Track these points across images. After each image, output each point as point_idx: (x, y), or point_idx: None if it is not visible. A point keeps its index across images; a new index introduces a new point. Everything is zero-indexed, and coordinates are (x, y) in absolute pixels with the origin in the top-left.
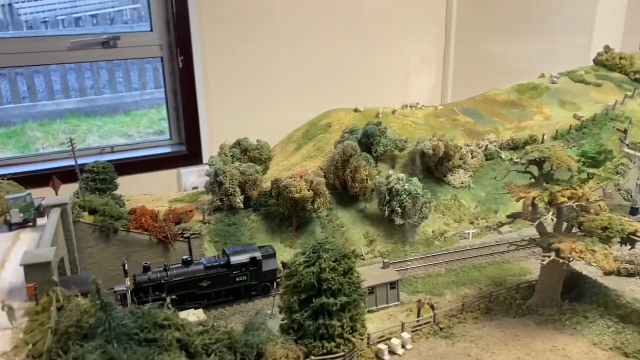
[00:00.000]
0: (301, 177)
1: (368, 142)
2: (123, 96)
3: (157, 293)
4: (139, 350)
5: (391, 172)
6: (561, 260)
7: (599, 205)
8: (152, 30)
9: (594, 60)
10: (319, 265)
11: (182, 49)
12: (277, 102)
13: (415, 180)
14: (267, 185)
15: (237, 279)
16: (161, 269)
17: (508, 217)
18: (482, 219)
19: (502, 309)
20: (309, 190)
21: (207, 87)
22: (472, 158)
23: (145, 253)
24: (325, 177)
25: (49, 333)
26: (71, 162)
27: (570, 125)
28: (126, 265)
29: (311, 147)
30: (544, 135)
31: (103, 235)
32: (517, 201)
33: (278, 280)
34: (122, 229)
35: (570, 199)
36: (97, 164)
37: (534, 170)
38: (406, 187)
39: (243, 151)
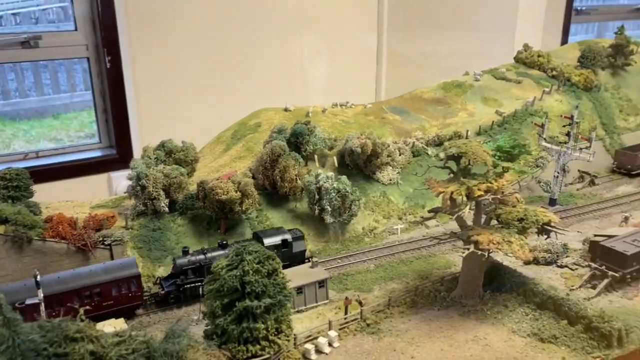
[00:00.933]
0: (228, 178)
1: (297, 141)
2: (51, 98)
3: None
4: None
5: (320, 170)
6: (479, 252)
7: (516, 198)
8: (76, 30)
9: (514, 58)
10: (242, 268)
11: (108, 49)
12: (209, 101)
13: (343, 178)
14: (193, 187)
15: None
16: (199, 252)
17: (429, 211)
18: (409, 214)
19: (427, 302)
20: (236, 192)
21: (137, 87)
22: (400, 155)
23: (63, 262)
24: (253, 178)
25: None
26: None
27: (492, 121)
28: (38, 277)
29: (240, 147)
30: (467, 131)
31: (15, 246)
32: (437, 196)
33: (307, 260)
34: (36, 238)
35: (486, 192)
36: (9, 170)
37: (452, 165)
38: (335, 185)
39: (167, 153)
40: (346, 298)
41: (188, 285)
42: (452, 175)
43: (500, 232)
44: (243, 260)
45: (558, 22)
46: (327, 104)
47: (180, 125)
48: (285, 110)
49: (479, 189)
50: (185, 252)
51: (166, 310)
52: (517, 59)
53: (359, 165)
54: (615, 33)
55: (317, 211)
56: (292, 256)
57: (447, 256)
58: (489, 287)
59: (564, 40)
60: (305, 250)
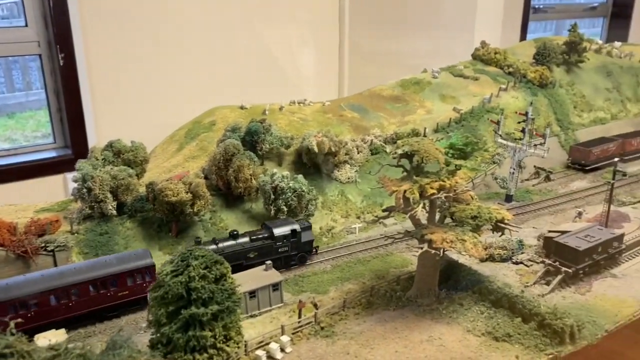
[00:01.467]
0: (180, 179)
1: (252, 139)
2: (5, 97)
3: None
4: None
5: (276, 170)
6: (433, 251)
7: (470, 195)
8: (26, 25)
9: (472, 55)
10: (187, 274)
11: (62, 46)
12: (166, 99)
13: (300, 177)
14: (143, 189)
15: (280, 250)
16: (210, 241)
17: (383, 210)
18: (368, 213)
19: (383, 302)
20: (186, 193)
21: (92, 85)
22: (358, 153)
23: (2, 270)
24: (207, 178)
25: None
26: None
27: (450, 118)
28: None
29: (193, 146)
30: (425, 128)
31: None
32: (390, 195)
33: (314, 250)
34: None
35: (439, 190)
36: None
37: (406, 163)
38: (291, 184)
39: (115, 153)
40: (300, 301)
41: None
42: (405, 173)
43: (453, 231)
44: (189, 265)
45: (516, 20)
46: (285, 101)
47: (137, 123)
48: (241, 108)
49: (431, 187)
50: (198, 242)
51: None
52: (475, 56)
53: (317, 163)
54: (569, 30)
55: (272, 211)
56: (300, 246)
57: (403, 255)
58: (445, 286)
59: (523, 38)
60: (312, 240)
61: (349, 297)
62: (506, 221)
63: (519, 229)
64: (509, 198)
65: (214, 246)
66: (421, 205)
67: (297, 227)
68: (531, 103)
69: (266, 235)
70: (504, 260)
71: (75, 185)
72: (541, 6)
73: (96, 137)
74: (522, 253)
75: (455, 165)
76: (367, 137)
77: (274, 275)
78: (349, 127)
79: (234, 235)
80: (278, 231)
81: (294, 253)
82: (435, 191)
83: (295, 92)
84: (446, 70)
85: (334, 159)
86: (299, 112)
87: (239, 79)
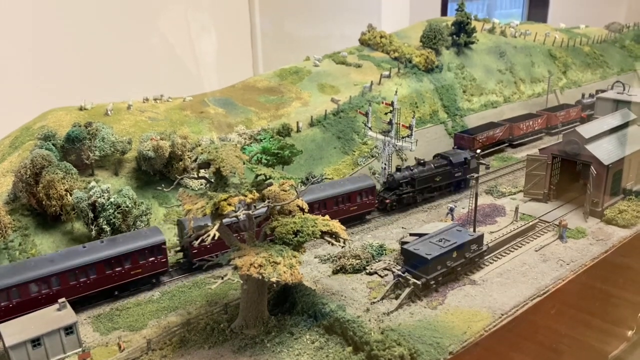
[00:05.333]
0: None
1: (74, 147)
2: None
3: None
4: None
5: (93, 183)
6: (235, 280)
7: (297, 205)
8: None
9: (359, 40)
10: None
11: None
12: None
13: (126, 189)
14: None
15: (456, 174)
16: (406, 168)
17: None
18: None
19: (201, 338)
20: None
21: None
22: None
23: None
24: (16, 197)
25: None
26: None
27: (325, 110)
28: None
29: (15, 158)
30: (297, 122)
31: None
32: (185, 214)
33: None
34: None
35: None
36: None
37: (210, 174)
38: (112, 199)
39: None
40: (83, 350)
41: (405, 195)
42: (208, 185)
43: (268, 251)
44: None
45: (435, 2)
46: (185, 95)
47: None
48: (81, 109)
49: (229, 204)
50: (399, 169)
51: None
52: (362, 41)
53: (161, 171)
54: (456, 10)
55: (94, 232)
56: (469, 171)
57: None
58: (280, 310)
59: None
60: (477, 167)
61: (159, 335)
62: (334, 233)
63: (348, 242)
64: None
65: (412, 171)
66: (216, 226)
67: (467, 155)
68: (396, 92)
69: (445, 162)
70: (357, 271)
71: None
72: None
73: None
74: (378, 261)
75: (265, 175)
76: (230, 135)
77: (67, 317)
78: (209, 125)
79: (422, 163)
80: (455, 159)
81: (463, 178)
82: (233, 208)
83: (194, 84)
84: (329, 58)
85: (179, 164)
86: (151, 110)
87: (116, 73)
